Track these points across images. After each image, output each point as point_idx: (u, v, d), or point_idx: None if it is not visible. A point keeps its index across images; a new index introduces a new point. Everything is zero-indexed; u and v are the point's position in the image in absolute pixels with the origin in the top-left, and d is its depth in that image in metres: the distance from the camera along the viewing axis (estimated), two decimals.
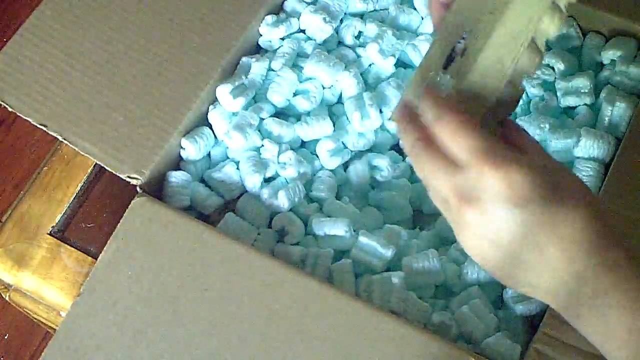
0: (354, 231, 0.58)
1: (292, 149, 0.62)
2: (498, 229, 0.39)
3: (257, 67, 0.63)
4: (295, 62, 0.65)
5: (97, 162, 0.57)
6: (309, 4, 0.67)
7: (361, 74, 0.64)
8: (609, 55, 0.65)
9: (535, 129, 0.62)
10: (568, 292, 0.39)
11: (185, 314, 0.52)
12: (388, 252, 0.56)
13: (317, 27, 0.65)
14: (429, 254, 0.57)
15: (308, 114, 0.63)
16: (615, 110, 0.62)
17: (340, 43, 0.68)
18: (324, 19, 0.65)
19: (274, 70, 0.64)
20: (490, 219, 0.39)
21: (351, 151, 0.63)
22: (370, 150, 0.63)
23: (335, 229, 0.57)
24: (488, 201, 0.38)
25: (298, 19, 0.66)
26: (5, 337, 1.22)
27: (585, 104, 0.64)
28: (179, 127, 0.58)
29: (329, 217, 0.59)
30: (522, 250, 0.39)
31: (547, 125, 0.62)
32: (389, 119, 0.61)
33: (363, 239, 0.57)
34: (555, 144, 0.62)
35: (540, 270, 0.39)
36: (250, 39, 0.65)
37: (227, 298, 0.52)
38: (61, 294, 0.63)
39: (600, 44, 0.67)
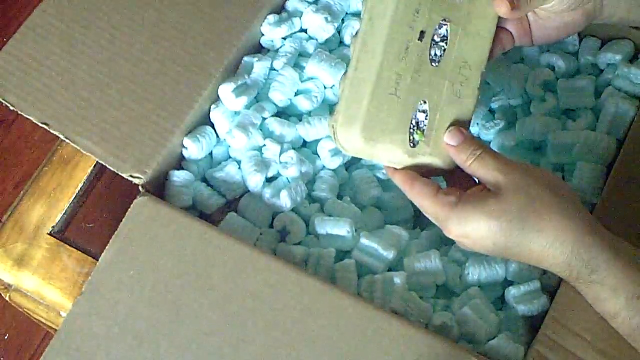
0: (355, 231, 0.58)
1: (293, 148, 0.62)
2: (482, 246, 0.48)
3: (259, 67, 0.63)
4: (297, 61, 0.65)
5: (99, 161, 0.57)
6: (310, 3, 0.67)
7: None
8: (606, 58, 0.65)
9: (533, 129, 0.63)
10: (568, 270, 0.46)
11: (187, 313, 0.52)
12: (389, 254, 0.56)
13: (319, 27, 0.65)
14: (430, 254, 0.57)
15: (309, 113, 0.63)
16: (617, 112, 0.62)
17: (342, 43, 0.68)
18: (326, 18, 0.65)
19: (275, 70, 0.64)
20: (474, 243, 0.48)
21: None
22: None
23: (337, 228, 0.57)
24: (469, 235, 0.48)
25: (300, 18, 0.66)
26: (5, 337, 1.21)
27: (586, 106, 0.64)
28: (181, 126, 0.58)
29: (330, 216, 0.59)
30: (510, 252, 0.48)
31: (548, 126, 0.63)
32: None
33: (364, 241, 0.57)
34: (556, 145, 0.62)
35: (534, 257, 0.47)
36: (252, 39, 0.65)
37: (229, 298, 0.52)
38: (61, 294, 0.63)
39: (597, 47, 0.67)
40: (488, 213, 0.46)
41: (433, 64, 0.51)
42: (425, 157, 0.51)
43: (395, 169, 0.52)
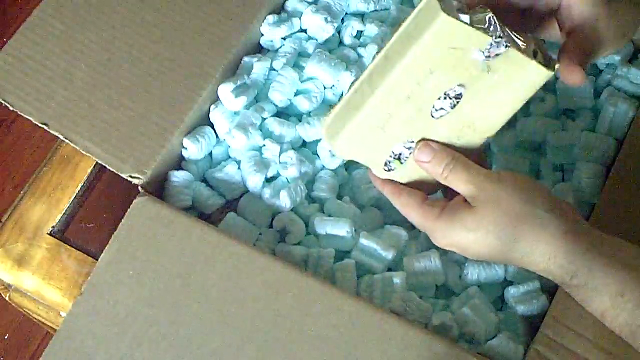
0: (355, 231, 0.58)
1: (293, 148, 0.62)
2: (471, 254, 0.48)
3: (258, 67, 0.63)
4: (297, 61, 0.65)
5: (99, 162, 0.57)
6: (310, 3, 0.67)
7: None
8: (605, 58, 0.65)
9: (534, 130, 0.63)
10: (557, 275, 0.46)
11: (187, 313, 0.52)
12: (389, 255, 0.56)
13: (319, 27, 0.65)
14: (430, 254, 0.57)
15: (309, 114, 0.63)
16: (616, 112, 0.62)
17: (342, 43, 0.68)
18: (325, 18, 0.65)
19: (275, 70, 0.64)
20: (462, 252, 0.48)
21: None
22: None
23: (337, 228, 0.57)
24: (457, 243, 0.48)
25: (299, 18, 0.66)
26: (5, 337, 1.21)
27: (585, 106, 0.64)
28: (180, 127, 0.58)
29: (330, 216, 0.59)
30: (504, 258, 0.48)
31: (548, 127, 0.63)
32: None
33: (364, 241, 0.57)
34: (555, 145, 0.62)
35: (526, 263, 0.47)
36: (252, 39, 0.65)
37: (228, 298, 0.52)
38: (61, 294, 0.63)
39: None
40: (466, 227, 0.47)
41: (434, 116, 0.48)
42: (400, 180, 0.52)
43: (384, 181, 0.52)
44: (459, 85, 0.46)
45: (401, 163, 0.50)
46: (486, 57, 0.45)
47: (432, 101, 0.47)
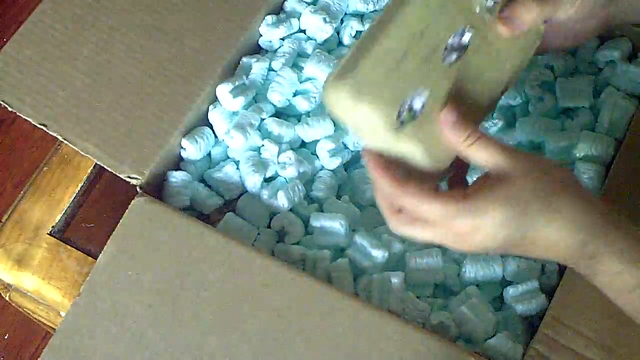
0: (353, 230, 0.58)
1: (292, 149, 0.62)
2: (493, 238, 0.44)
3: (257, 67, 0.63)
4: (296, 62, 0.65)
5: (97, 162, 0.57)
6: (309, 4, 0.67)
7: None
8: (605, 56, 0.65)
9: (533, 130, 0.62)
10: (574, 252, 0.44)
11: (185, 313, 0.52)
12: (383, 253, 0.56)
13: (318, 27, 0.65)
14: (432, 251, 0.57)
15: (308, 114, 0.63)
16: (616, 112, 0.62)
17: (341, 43, 0.68)
18: (324, 19, 0.65)
19: (274, 70, 0.64)
20: (484, 237, 0.44)
21: (351, 151, 0.63)
22: None
23: (331, 221, 0.57)
24: (479, 233, 0.44)
25: (298, 19, 0.66)
26: (5, 337, 1.22)
27: (584, 105, 0.64)
28: (179, 127, 0.59)
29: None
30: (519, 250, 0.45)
31: (546, 126, 0.63)
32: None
33: (358, 239, 0.57)
34: (555, 145, 0.62)
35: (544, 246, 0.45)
36: (251, 39, 0.65)
37: (226, 298, 0.52)
38: (61, 294, 0.63)
39: (595, 46, 0.67)
40: (502, 200, 0.43)
41: (445, 62, 0.47)
42: (410, 145, 0.46)
43: (384, 169, 0.46)
44: (468, 27, 0.48)
45: (413, 118, 0.46)
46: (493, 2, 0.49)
47: (443, 43, 0.47)
